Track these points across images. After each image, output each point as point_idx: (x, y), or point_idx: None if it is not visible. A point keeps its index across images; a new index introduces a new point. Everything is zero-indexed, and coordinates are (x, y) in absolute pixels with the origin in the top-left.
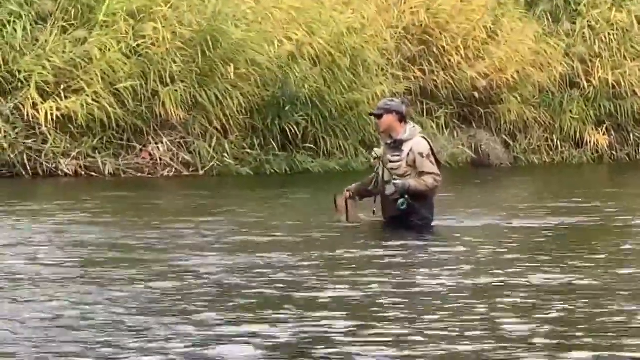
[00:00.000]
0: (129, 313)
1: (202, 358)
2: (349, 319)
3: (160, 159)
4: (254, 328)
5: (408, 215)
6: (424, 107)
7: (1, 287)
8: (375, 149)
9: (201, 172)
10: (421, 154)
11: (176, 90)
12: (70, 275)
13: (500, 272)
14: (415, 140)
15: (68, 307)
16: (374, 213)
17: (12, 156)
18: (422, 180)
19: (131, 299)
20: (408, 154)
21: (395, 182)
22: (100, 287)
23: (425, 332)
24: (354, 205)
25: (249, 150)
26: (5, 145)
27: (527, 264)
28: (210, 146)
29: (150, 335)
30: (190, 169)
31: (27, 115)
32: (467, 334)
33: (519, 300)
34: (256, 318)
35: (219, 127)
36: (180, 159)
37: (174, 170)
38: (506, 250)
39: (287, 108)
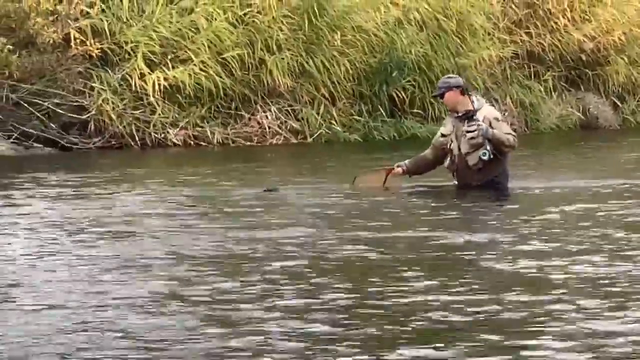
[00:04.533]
0: None
1: None
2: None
3: (269, 127)
4: None
5: (489, 183)
6: (531, 70)
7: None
8: (442, 128)
9: (309, 140)
10: (496, 119)
11: (283, 59)
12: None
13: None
14: (486, 107)
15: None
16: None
17: (120, 127)
18: (502, 133)
19: None
20: (482, 121)
21: (480, 123)
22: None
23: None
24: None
25: (356, 117)
26: (114, 116)
27: None
28: (318, 113)
29: None
30: (299, 137)
31: (135, 85)
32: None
33: None
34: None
35: (326, 95)
36: (288, 127)
37: (282, 138)
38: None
39: (394, 74)
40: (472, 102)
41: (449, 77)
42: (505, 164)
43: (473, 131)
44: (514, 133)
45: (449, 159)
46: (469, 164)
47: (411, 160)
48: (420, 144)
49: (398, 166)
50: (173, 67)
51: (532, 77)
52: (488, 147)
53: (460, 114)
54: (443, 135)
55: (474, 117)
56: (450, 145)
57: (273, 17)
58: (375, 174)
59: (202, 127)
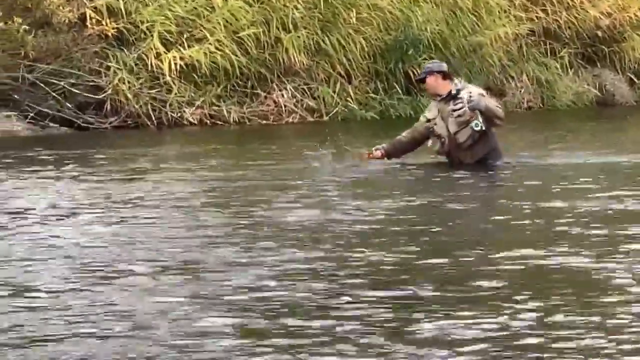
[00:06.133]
0: None
1: None
2: None
3: (285, 106)
4: None
5: (482, 160)
6: (547, 47)
7: None
8: (426, 113)
9: (325, 118)
10: (481, 94)
11: (299, 37)
12: None
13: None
14: (470, 87)
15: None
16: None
17: (136, 106)
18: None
19: None
20: (470, 96)
21: (472, 97)
22: None
23: None
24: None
25: (372, 95)
26: (130, 96)
27: None
28: (334, 91)
29: None
30: (315, 115)
31: (151, 65)
32: None
33: None
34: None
35: (342, 73)
36: (304, 105)
37: (298, 116)
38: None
39: (410, 52)
40: (455, 84)
41: (431, 63)
42: (495, 143)
43: (460, 109)
44: (501, 107)
45: (439, 143)
46: (459, 141)
47: (389, 143)
48: None
49: (376, 149)
50: (189, 46)
51: (548, 54)
52: (480, 118)
53: (444, 96)
54: (428, 120)
55: (459, 96)
56: (437, 129)
57: None
58: (355, 159)
59: (218, 106)
